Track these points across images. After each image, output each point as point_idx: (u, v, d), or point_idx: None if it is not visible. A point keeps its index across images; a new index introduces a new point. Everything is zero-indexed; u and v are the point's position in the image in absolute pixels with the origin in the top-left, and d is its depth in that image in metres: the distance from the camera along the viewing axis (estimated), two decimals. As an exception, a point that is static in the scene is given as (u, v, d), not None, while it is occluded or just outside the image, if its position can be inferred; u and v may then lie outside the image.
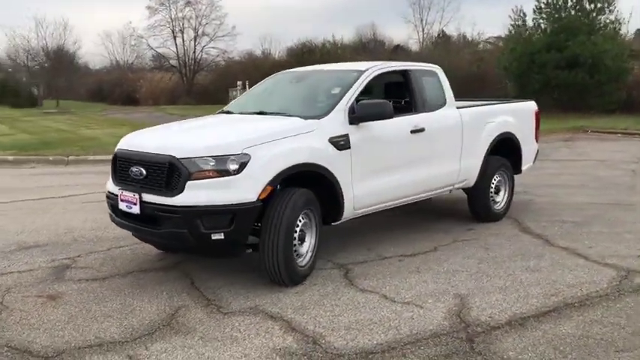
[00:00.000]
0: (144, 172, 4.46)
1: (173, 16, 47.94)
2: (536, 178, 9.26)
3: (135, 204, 4.44)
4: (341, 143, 4.84)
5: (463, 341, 3.61)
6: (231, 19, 74.38)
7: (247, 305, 4.23)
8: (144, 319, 4.02)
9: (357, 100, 5.10)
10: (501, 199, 6.85)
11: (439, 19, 50.12)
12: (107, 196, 4.92)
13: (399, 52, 38.71)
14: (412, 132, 5.49)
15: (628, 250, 5.47)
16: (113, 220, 4.93)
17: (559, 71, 20.78)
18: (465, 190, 6.56)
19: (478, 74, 26.19)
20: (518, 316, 3.97)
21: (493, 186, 6.67)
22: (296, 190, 4.57)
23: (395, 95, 6.03)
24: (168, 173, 4.29)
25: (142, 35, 50.31)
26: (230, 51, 48.51)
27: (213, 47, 48.75)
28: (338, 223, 5.09)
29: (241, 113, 5.61)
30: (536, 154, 7.61)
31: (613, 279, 4.68)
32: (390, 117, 5.07)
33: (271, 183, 4.32)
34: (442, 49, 35.77)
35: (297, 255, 4.61)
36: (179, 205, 4.20)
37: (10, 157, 12.98)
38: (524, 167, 7.22)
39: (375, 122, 5.11)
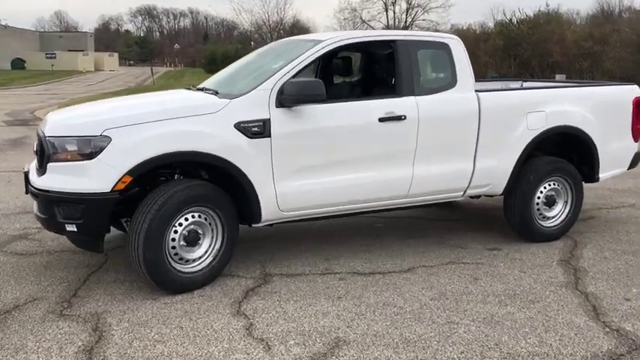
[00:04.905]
0: (35, 148, 4.15)
1: (387, -12, 47.78)
2: None
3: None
4: (254, 130, 3.95)
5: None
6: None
7: (92, 310, 3.68)
8: (-14, 307, 3.75)
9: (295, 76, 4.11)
10: (556, 213, 5.18)
11: None
12: None
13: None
14: (382, 120, 4.31)
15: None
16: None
17: None
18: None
19: None
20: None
21: (541, 196, 5.07)
22: (177, 183, 3.86)
23: (380, 73, 4.81)
24: (41, 152, 3.91)
25: (356, 8, 51.13)
26: (442, 23, 46.78)
27: (423, 20, 47.56)
28: (261, 225, 4.23)
29: (197, 89, 4.95)
30: (636, 157, 5.61)
31: (594, 356, 3.12)
32: (321, 100, 4.01)
33: (132, 172, 3.65)
34: None
35: (182, 260, 3.91)
36: (38, 187, 3.81)
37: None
38: (604, 174, 5.35)
39: (316, 106, 4.10)
